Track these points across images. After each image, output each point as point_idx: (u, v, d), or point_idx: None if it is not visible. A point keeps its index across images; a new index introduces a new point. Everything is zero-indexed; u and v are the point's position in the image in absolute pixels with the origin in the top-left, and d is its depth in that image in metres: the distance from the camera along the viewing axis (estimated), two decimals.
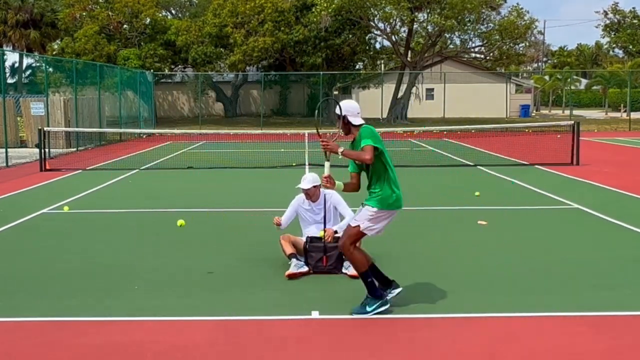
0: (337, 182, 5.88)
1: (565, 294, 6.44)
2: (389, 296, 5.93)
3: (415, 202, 12.25)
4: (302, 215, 7.62)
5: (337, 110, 5.92)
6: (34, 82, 45.67)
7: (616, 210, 10.74)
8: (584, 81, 68.46)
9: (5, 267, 7.67)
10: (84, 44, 38.80)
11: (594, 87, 63.16)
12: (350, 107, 5.92)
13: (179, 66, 45.51)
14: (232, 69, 40.27)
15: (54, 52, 43.80)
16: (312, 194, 7.39)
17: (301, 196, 7.59)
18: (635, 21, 56.05)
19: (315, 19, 38.00)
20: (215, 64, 41.54)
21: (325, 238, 7.18)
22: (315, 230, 7.45)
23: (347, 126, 5.93)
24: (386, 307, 5.83)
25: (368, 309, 5.80)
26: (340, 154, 5.68)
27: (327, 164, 5.83)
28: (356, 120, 5.90)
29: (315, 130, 5.97)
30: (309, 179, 7.36)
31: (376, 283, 5.88)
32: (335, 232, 7.25)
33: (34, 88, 42.40)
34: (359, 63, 45.77)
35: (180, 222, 7.51)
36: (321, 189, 7.45)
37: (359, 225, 5.77)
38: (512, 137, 25.32)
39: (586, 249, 8.46)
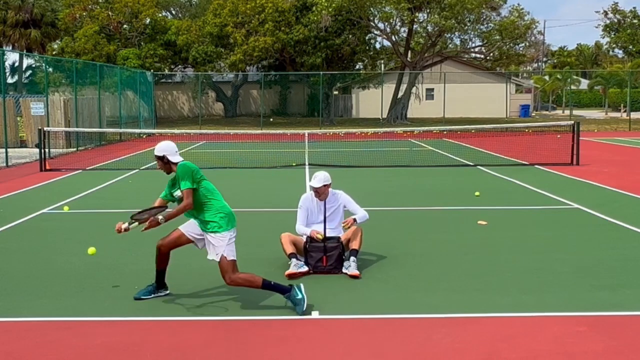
0: (133, 224, 6.03)
1: (565, 294, 6.44)
2: (159, 294, 6.36)
3: (415, 202, 12.26)
4: (311, 212, 7.56)
5: (155, 152, 6.16)
6: (34, 82, 45.68)
7: (616, 210, 10.74)
8: (584, 81, 68.45)
9: (5, 267, 7.67)
10: (83, 43, 38.81)
11: (594, 87, 63.12)
12: (167, 148, 6.18)
13: (179, 66, 45.51)
14: (232, 68, 40.27)
15: (54, 52, 43.80)
16: (321, 193, 7.39)
17: (308, 195, 7.57)
18: (635, 21, 55.99)
19: (315, 18, 38.00)
20: (215, 64, 41.54)
21: (322, 235, 7.18)
22: (318, 229, 7.43)
23: (167, 165, 6.19)
24: (302, 287, 5.96)
25: (298, 297, 5.88)
26: (162, 222, 5.96)
27: (134, 224, 6.04)
28: (174, 158, 6.15)
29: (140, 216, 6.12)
30: (320, 178, 7.34)
31: (272, 283, 6.01)
32: (355, 220, 7.27)
33: (33, 88, 42.43)
34: (359, 63, 45.77)
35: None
36: (330, 189, 7.44)
37: (226, 257, 5.90)
38: (512, 137, 25.33)
39: (586, 248, 8.46)
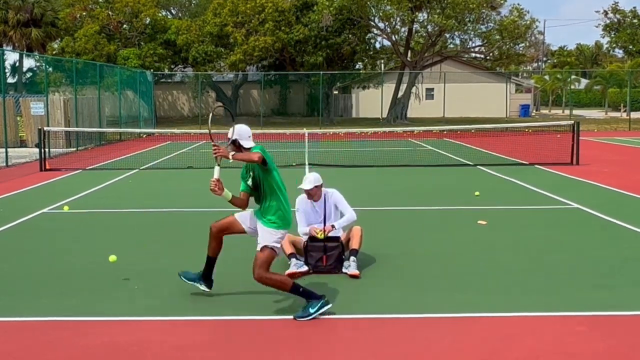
0: (226, 190, 6.02)
1: (565, 294, 6.44)
2: (198, 285, 6.28)
3: (415, 202, 12.26)
4: (306, 214, 7.58)
5: (229, 134, 6.04)
6: (34, 82, 45.68)
7: (616, 210, 10.74)
8: (584, 81, 68.47)
9: (5, 267, 7.67)
10: (84, 43, 38.80)
11: (594, 87, 63.12)
12: (241, 132, 6.05)
13: (179, 66, 45.50)
14: (232, 68, 40.27)
15: (54, 52, 43.80)
16: (313, 194, 7.39)
17: (302, 197, 7.58)
18: (635, 21, 55.96)
19: (316, 18, 38.01)
20: (215, 64, 41.55)
21: (322, 232, 7.18)
22: (316, 228, 7.43)
23: (239, 149, 6.06)
24: (329, 306, 5.81)
25: (311, 310, 5.75)
26: (231, 157, 5.82)
27: (217, 168, 5.96)
28: (247, 144, 6.02)
29: (208, 132, 6.11)
30: (310, 179, 7.35)
31: (300, 289, 5.85)
32: (333, 226, 7.27)
33: (33, 88, 42.42)
34: (359, 63, 45.78)
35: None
36: (322, 188, 7.44)
37: (267, 248, 5.80)
38: (512, 137, 25.33)
39: (586, 248, 8.46)
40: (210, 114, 6.48)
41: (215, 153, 5.79)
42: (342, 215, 7.51)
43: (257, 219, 6.00)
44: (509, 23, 40.21)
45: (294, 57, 41.57)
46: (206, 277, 6.35)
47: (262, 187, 5.95)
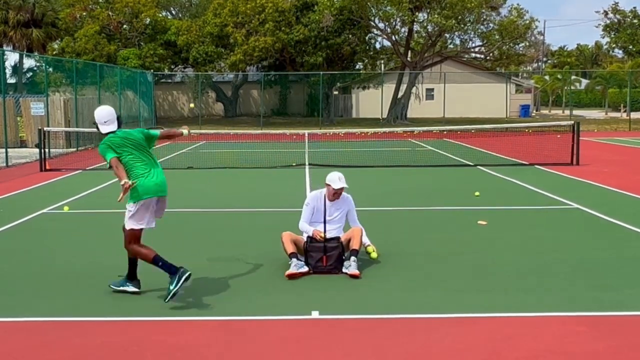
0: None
1: (565, 294, 6.44)
2: (129, 289, 6.45)
3: (415, 202, 12.26)
4: (316, 210, 7.56)
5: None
6: (34, 82, 45.68)
7: (616, 210, 10.73)
8: (584, 81, 68.46)
9: (5, 267, 7.67)
10: (84, 43, 38.81)
11: (595, 88, 63.13)
12: (98, 115, 6.50)
13: (179, 66, 45.51)
14: (232, 68, 40.28)
15: (54, 52, 43.81)
16: (340, 194, 7.42)
17: (317, 194, 7.56)
18: (635, 21, 55.94)
19: (317, 17, 38.01)
20: (216, 64, 41.55)
21: (320, 237, 7.20)
22: (320, 231, 7.43)
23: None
24: (187, 273, 6.08)
25: (172, 287, 6.00)
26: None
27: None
28: (104, 129, 6.45)
29: None
30: (344, 179, 7.38)
31: (167, 263, 6.20)
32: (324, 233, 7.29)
33: (34, 88, 42.40)
34: (359, 63, 45.77)
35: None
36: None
37: (125, 227, 6.28)
38: (512, 137, 25.33)
39: (586, 248, 8.46)
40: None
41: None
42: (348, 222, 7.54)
43: None
44: (508, 23, 40.21)
45: (294, 57, 41.58)
46: (133, 277, 6.56)
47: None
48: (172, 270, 6.11)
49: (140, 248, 6.27)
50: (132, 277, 6.52)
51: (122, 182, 6.06)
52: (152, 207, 6.31)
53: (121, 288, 6.49)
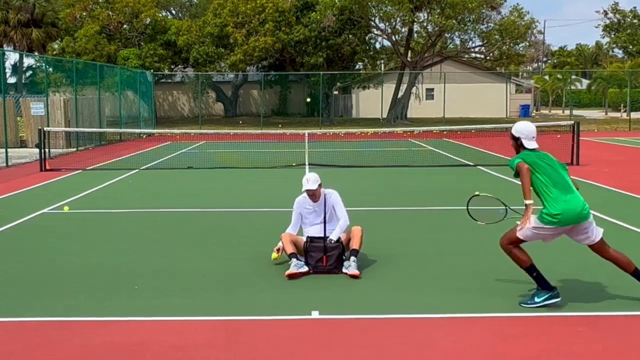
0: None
1: (566, 294, 6.43)
2: (540, 300, 6.01)
3: (415, 202, 12.25)
4: (304, 215, 7.61)
5: (514, 132, 6.18)
6: (34, 82, 45.68)
7: (616, 210, 10.73)
8: (585, 81, 68.45)
9: (5, 267, 7.67)
10: (84, 43, 38.81)
11: (595, 87, 63.12)
12: (527, 130, 6.16)
13: (179, 66, 45.50)
14: (232, 68, 40.28)
15: (55, 52, 43.80)
16: (317, 194, 7.39)
17: (301, 198, 7.57)
18: (635, 21, 55.98)
19: (318, 17, 38.01)
20: (216, 64, 41.55)
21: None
22: (315, 231, 7.44)
23: (520, 148, 6.22)
24: (557, 299, 5.94)
25: (537, 299, 5.96)
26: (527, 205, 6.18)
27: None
28: (530, 144, 6.17)
29: None
30: (313, 179, 7.35)
31: (543, 277, 6.03)
32: (331, 240, 7.25)
33: (34, 88, 42.42)
34: (359, 63, 45.77)
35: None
36: (321, 189, 7.44)
37: (517, 230, 6.15)
38: None
39: (586, 249, 8.43)
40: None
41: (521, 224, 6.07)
42: (337, 218, 7.50)
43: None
44: (508, 23, 40.21)
45: (294, 57, 41.58)
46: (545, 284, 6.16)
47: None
48: (545, 287, 5.97)
49: (518, 252, 6.11)
50: (543, 285, 6.08)
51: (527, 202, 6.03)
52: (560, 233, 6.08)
53: (552, 300, 5.96)
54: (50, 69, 31.05)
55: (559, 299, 5.97)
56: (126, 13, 40.82)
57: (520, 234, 6.05)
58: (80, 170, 17.44)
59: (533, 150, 6.10)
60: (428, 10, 40.16)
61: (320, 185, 7.38)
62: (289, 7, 39.38)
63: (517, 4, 72.84)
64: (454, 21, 37.99)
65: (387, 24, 40.64)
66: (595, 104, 68.62)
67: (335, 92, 48.14)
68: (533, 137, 6.10)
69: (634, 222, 9.76)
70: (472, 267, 7.48)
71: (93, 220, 10.72)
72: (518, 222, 6.15)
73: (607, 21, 57.19)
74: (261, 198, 12.78)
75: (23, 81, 52.66)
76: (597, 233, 6.09)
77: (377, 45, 45.82)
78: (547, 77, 65.41)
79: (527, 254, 6.16)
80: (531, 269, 6.05)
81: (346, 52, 41.25)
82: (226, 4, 39.05)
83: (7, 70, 37.30)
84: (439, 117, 40.94)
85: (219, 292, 6.59)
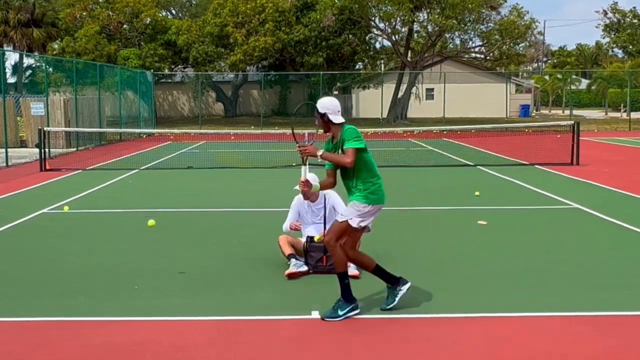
0: (314, 184, 5.98)
1: (565, 294, 6.44)
2: (400, 293, 5.92)
3: (415, 202, 12.25)
4: (302, 215, 7.62)
5: (318, 108, 5.86)
6: (34, 82, 45.69)
7: (616, 210, 10.73)
8: (585, 81, 68.46)
9: (5, 267, 7.67)
10: (84, 43, 38.82)
11: (595, 87, 63.13)
12: (330, 105, 5.83)
13: (179, 66, 45.51)
14: (232, 68, 40.29)
15: (55, 52, 43.81)
16: (310, 195, 7.37)
17: (300, 197, 7.58)
18: (635, 21, 55.98)
19: (318, 17, 38.01)
20: (216, 64, 41.55)
21: (320, 237, 7.19)
22: (314, 231, 7.45)
23: (327, 124, 5.87)
24: (356, 311, 5.80)
25: (340, 312, 5.74)
26: (319, 157, 5.70)
27: (304, 168, 5.88)
28: (337, 119, 5.82)
29: (291, 132, 6.08)
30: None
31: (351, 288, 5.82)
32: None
33: (34, 88, 42.42)
34: (359, 63, 45.77)
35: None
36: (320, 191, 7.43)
37: (346, 221, 5.72)
38: (512, 137, 25.32)
39: (586, 249, 8.46)
40: (294, 113, 6.47)
41: (302, 152, 5.72)
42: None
43: (348, 197, 5.85)
44: (508, 23, 40.22)
45: (294, 57, 41.59)
46: (392, 280, 6.06)
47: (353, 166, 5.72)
48: (349, 299, 5.77)
49: (356, 253, 5.87)
50: (394, 282, 6.00)
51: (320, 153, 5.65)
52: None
53: (352, 313, 5.79)
54: (50, 69, 31.06)
55: (358, 310, 5.81)
56: (126, 13, 40.83)
57: (352, 223, 5.66)
58: (80, 170, 17.44)
59: (342, 124, 5.81)
60: (428, 10, 40.17)
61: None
62: (289, 7, 39.39)
63: (517, 4, 72.86)
64: (454, 21, 38.00)
65: (387, 23, 40.65)
66: (595, 104, 68.62)
67: (335, 92, 48.14)
68: (338, 112, 5.84)
69: (634, 222, 9.77)
70: (472, 267, 7.48)
71: (93, 220, 10.72)
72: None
73: (607, 21, 57.21)
74: (261, 198, 12.78)
75: (23, 81, 52.67)
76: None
77: (377, 45, 45.89)
78: (547, 77, 65.42)
79: (365, 257, 5.98)
80: (343, 276, 5.76)
81: (346, 52, 41.26)
82: (226, 4, 39.06)
83: (7, 70, 37.27)
84: (439, 117, 40.94)
85: (219, 292, 6.59)
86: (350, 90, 50.80)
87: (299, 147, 5.76)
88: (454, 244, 8.66)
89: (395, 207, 11.67)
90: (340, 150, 5.76)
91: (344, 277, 5.80)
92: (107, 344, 5.29)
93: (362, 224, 5.77)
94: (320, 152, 5.70)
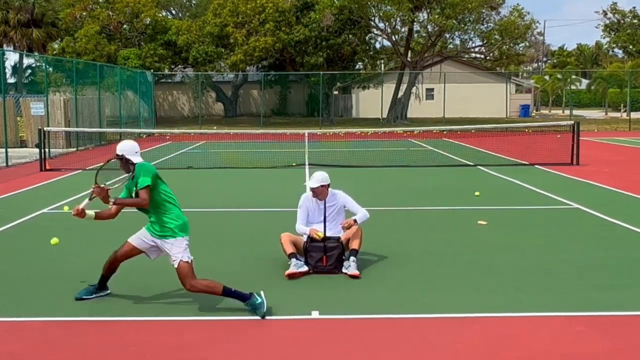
0: (87, 212, 6.15)
1: (565, 294, 6.44)
2: (257, 301, 5.88)
3: (415, 202, 12.26)
4: (310, 213, 7.57)
5: (116, 151, 6.23)
6: (34, 82, 45.69)
7: (616, 210, 10.74)
8: (585, 81, 68.47)
9: (5, 267, 7.67)
10: (84, 43, 38.80)
11: (595, 87, 63.13)
12: (127, 147, 6.20)
13: (179, 66, 45.50)
14: (233, 68, 40.29)
15: (55, 52, 43.81)
16: (319, 193, 7.39)
17: (308, 195, 7.57)
18: (635, 21, 55.98)
19: (318, 17, 38.00)
20: (216, 64, 41.55)
21: (321, 234, 7.20)
22: (321, 228, 7.42)
23: (127, 165, 6.20)
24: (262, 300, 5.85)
25: (257, 302, 5.83)
26: (111, 204, 6.09)
27: (85, 201, 6.11)
28: (135, 159, 6.14)
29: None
30: (318, 178, 7.35)
31: (232, 290, 5.95)
32: (355, 221, 7.29)
33: (34, 88, 42.42)
34: (359, 63, 45.77)
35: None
36: (329, 189, 7.44)
37: (186, 261, 5.92)
38: (512, 137, 25.32)
39: (586, 249, 8.46)
40: (102, 165, 6.60)
41: (93, 191, 6.02)
42: (352, 214, 7.52)
43: (154, 237, 6.10)
44: (508, 23, 40.22)
45: (294, 57, 41.58)
46: (103, 286, 6.45)
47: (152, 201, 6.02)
48: (245, 296, 5.93)
49: (205, 280, 6.00)
50: (102, 287, 6.43)
51: (112, 202, 6.05)
52: None
53: (94, 296, 6.33)
54: (50, 69, 31.06)
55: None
56: (126, 13, 40.81)
57: (187, 259, 5.92)
58: (80, 170, 17.43)
59: (140, 163, 6.11)
60: (428, 10, 40.17)
61: (325, 186, 7.37)
62: (289, 7, 39.37)
63: (517, 4, 72.80)
64: (454, 21, 37.99)
65: (387, 23, 40.64)
66: (595, 104, 68.61)
67: (335, 92, 48.16)
68: (137, 152, 6.20)
69: (634, 222, 9.77)
70: (472, 267, 7.48)
71: (93, 220, 10.68)
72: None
73: (607, 21, 57.20)
74: (261, 198, 12.78)
75: (23, 81, 52.67)
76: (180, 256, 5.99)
77: (377, 45, 45.87)
78: (547, 77, 65.42)
79: (210, 280, 6.06)
80: (226, 291, 5.93)
81: (346, 52, 41.25)
82: (226, 4, 39.05)
83: (7, 70, 37.28)
84: (439, 117, 40.94)
85: None
86: (350, 90, 50.79)
87: (94, 186, 6.05)
88: (454, 244, 8.66)
89: (395, 207, 11.68)
90: (134, 187, 6.05)
91: (229, 294, 5.93)
92: (107, 343, 5.29)
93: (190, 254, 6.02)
94: (112, 200, 6.06)
